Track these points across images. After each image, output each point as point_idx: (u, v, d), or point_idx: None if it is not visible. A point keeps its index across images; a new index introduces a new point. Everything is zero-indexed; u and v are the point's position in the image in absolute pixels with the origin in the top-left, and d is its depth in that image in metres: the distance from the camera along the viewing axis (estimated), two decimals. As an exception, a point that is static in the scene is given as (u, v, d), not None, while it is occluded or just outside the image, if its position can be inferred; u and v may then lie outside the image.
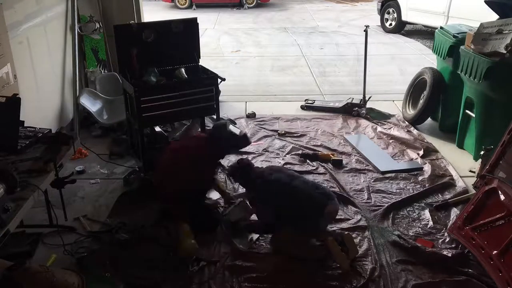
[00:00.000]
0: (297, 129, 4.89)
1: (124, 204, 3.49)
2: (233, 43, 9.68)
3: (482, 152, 3.48)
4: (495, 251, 2.67)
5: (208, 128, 3.77)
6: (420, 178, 3.85)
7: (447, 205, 3.45)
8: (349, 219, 3.29)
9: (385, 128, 4.84)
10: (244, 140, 3.41)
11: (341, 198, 3.53)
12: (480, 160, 3.51)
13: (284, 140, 4.58)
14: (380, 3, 10.80)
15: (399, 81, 6.51)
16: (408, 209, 3.43)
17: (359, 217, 3.31)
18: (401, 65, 7.76)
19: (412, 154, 4.26)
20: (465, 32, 4.13)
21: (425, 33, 10.31)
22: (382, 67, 7.52)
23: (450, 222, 3.23)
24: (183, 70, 3.84)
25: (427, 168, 3.99)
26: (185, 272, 2.76)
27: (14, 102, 2.77)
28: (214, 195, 3.52)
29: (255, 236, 3.10)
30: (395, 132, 4.72)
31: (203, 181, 3.27)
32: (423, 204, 3.49)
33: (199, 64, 4.02)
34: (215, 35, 10.38)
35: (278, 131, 4.81)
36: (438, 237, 3.10)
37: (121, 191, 3.67)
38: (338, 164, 4.09)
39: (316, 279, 2.71)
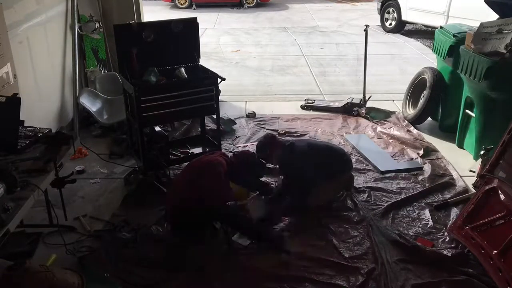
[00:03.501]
0: (297, 129, 4.89)
1: (128, 204, 3.50)
2: (233, 42, 9.68)
3: (482, 152, 3.48)
4: (495, 251, 2.67)
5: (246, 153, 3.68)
6: (420, 177, 3.85)
7: (447, 205, 3.45)
8: (350, 218, 3.30)
9: (385, 128, 4.84)
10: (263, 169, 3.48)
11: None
12: (480, 160, 3.51)
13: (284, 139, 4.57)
14: (380, 3, 10.79)
15: (399, 81, 6.51)
16: (408, 208, 3.43)
17: (359, 216, 3.32)
18: (401, 64, 7.76)
19: (412, 153, 4.26)
20: (465, 32, 4.13)
21: (425, 33, 10.31)
22: (382, 67, 7.52)
23: (450, 221, 3.23)
24: (183, 70, 3.84)
25: (427, 167, 3.99)
26: (186, 271, 2.76)
27: (14, 101, 2.77)
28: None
29: None
30: (395, 131, 4.72)
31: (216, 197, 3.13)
32: (423, 204, 3.49)
33: (199, 63, 4.02)
34: (215, 35, 10.38)
35: (278, 131, 4.81)
36: (438, 236, 3.11)
37: (122, 191, 3.68)
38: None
39: (316, 278, 2.71)
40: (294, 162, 3.39)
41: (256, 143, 4.47)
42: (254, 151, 3.57)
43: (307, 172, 3.32)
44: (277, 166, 3.60)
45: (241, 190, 3.21)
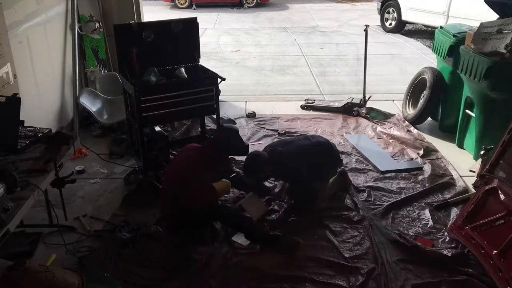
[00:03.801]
0: (297, 129, 4.89)
1: (128, 204, 3.50)
2: (233, 42, 9.68)
3: (482, 152, 3.48)
4: (495, 251, 2.67)
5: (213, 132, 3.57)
6: (420, 177, 3.85)
7: (447, 205, 3.45)
8: (350, 218, 3.30)
9: (385, 128, 4.84)
10: (243, 149, 3.30)
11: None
12: (480, 160, 3.51)
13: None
14: (380, 3, 10.79)
15: (399, 81, 6.51)
16: (408, 208, 3.43)
17: (359, 216, 3.32)
18: (401, 64, 7.76)
19: (412, 153, 4.26)
20: (465, 32, 4.13)
21: (425, 33, 10.31)
22: (382, 67, 7.52)
23: (450, 221, 3.23)
24: (183, 69, 3.84)
25: (427, 167, 3.99)
26: (186, 271, 2.76)
27: (14, 101, 2.77)
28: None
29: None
30: (395, 131, 4.72)
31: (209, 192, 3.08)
32: (423, 204, 3.49)
33: (199, 63, 4.02)
34: (215, 35, 10.38)
35: (278, 131, 4.81)
36: (438, 236, 3.10)
37: (121, 191, 3.68)
38: (338, 164, 4.08)
39: (316, 278, 2.71)
40: (288, 169, 3.31)
41: (257, 143, 4.51)
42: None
43: (306, 174, 3.30)
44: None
45: (221, 185, 3.20)
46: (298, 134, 4.73)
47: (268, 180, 3.75)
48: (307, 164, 3.31)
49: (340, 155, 3.96)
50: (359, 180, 3.83)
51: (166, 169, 3.35)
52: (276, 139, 4.58)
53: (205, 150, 3.13)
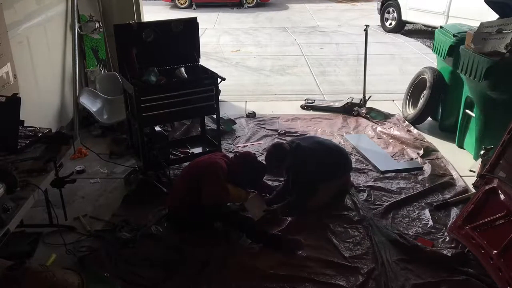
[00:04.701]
0: (297, 129, 4.89)
1: (128, 204, 3.50)
2: (233, 42, 9.69)
3: (482, 152, 3.48)
4: (495, 251, 2.67)
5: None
6: (420, 177, 3.85)
7: (447, 205, 3.45)
8: (350, 218, 3.30)
9: (385, 128, 4.84)
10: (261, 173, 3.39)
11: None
12: (480, 160, 3.51)
13: (284, 140, 4.56)
14: (380, 3, 10.79)
15: (399, 81, 6.51)
16: (408, 208, 3.43)
17: (359, 216, 3.31)
18: (401, 64, 7.76)
19: (412, 153, 4.26)
20: (465, 32, 4.13)
21: (425, 33, 10.31)
22: (382, 67, 7.52)
23: (450, 221, 3.23)
24: (183, 69, 3.84)
25: (427, 167, 3.99)
26: (186, 271, 2.77)
27: (14, 101, 2.77)
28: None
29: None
30: (395, 131, 4.72)
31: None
32: (423, 204, 3.49)
33: (199, 63, 4.02)
34: (215, 35, 10.38)
35: (278, 131, 4.81)
36: (438, 236, 3.11)
37: (121, 191, 3.68)
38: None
39: (316, 277, 2.71)
40: (303, 164, 3.34)
41: (256, 142, 4.52)
42: (265, 161, 3.44)
43: (315, 172, 3.31)
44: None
45: (239, 192, 3.20)
46: (298, 134, 4.74)
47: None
48: (322, 162, 3.33)
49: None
50: (359, 180, 3.83)
51: (184, 168, 3.45)
52: (276, 139, 4.59)
53: (231, 161, 3.24)
